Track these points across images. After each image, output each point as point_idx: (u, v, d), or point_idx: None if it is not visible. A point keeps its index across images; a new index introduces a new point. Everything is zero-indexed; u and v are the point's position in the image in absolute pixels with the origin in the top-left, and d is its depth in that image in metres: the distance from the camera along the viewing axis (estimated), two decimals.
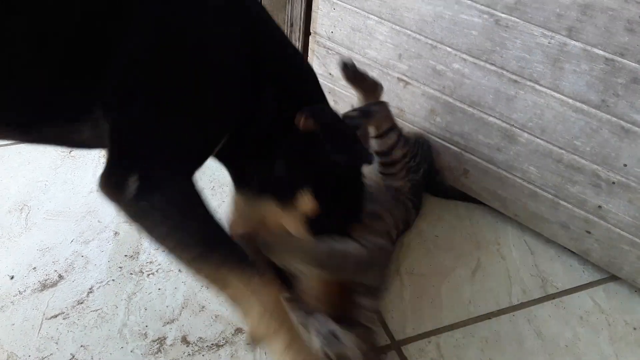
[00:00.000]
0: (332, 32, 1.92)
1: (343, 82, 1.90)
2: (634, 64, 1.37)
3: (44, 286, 1.50)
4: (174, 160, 1.10)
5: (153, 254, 1.60)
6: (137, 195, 1.02)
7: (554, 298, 1.67)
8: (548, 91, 1.54)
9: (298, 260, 1.30)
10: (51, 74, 1.02)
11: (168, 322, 1.45)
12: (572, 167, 1.60)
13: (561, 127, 1.56)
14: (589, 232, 1.68)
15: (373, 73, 1.87)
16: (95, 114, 1.06)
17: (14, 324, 1.40)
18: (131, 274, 1.55)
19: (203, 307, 1.50)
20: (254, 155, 1.30)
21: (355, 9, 1.82)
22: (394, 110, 1.88)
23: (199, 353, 1.39)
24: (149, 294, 1.51)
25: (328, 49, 1.96)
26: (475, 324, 1.57)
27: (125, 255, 1.60)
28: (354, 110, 1.54)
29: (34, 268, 1.53)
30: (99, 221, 1.68)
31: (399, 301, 1.60)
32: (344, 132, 1.34)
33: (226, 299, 1.12)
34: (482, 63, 1.62)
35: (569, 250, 1.77)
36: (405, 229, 1.75)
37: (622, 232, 1.61)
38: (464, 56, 1.65)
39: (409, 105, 1.85)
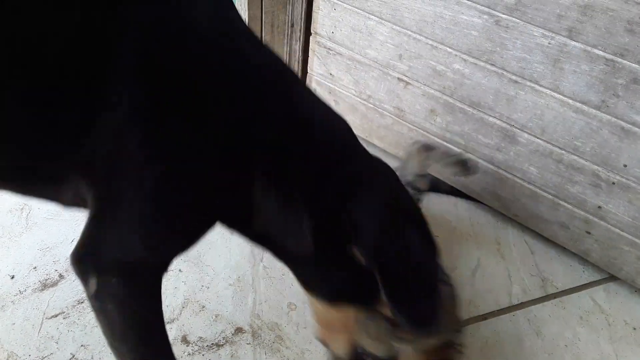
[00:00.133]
0: (332, 32, 1.92)
1: (344, 82, 1.91)
2: (634, 64, 1.37)
3: (45, 286, 1.50)
4: (143, 263, 1.02)
5: None
6: (94, 296, 0.99)
7: (554, 298, 1.67)
8: (548, 92, 1.54)
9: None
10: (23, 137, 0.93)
11: (168, 322, 1.45)
12: (572, 168, 1.60)
13: (561, 128, 1.57)
14: (588, 233, 1.68)
15: (373, 73, 1.88)
16: (73, 182, 0.99)
17: (14, 324, 1.41)
18: None
19: (203, 306, 1.50)
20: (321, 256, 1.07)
21: (356, 9, 1.82)
22: (394, 111, 1.89)
23: (199, 353, 1.39)
24: None
25: (328, 49, 1.97)
26: (476, 323, 1.58)
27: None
28: None
29: (35, 267, 1.54)
30: None
31: None
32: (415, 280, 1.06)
33: None
34: (482, 63, 1.63)
35: (569, 250, 1.78)
36: None
37: (621, 233, 1.61)
38: (464, 56, 1.65)
39: (409, 106, 1.85)
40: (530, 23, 1.48)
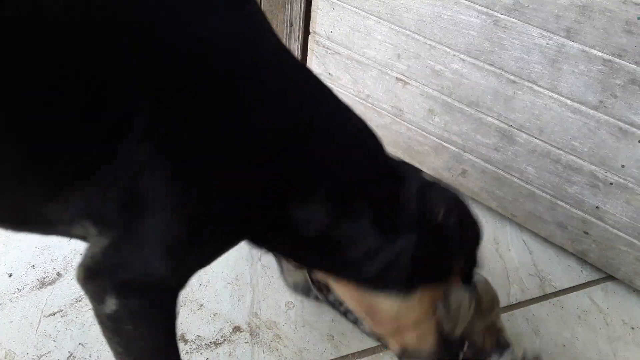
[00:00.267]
0: (331, 31, 1.92)
1: (342, 81, 1.91)
2: (631, 65, 1.37)
3: (43, 284, 1.50)
4: (165, 282, 1.01)
5: None
6: (111, 316, 0.96)
7: (552, 297, 1.67)
8: (546, 92, 1.54)
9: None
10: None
11: None
12: (570, 168, 1.61)
13: (559, 128, 1.57)
14: (586, 233, 1.68)
15: (372, 72, 1.88)
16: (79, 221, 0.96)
17: (12, 322, 1.41)
18: None
19: (201, 305, 1.50)
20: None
21: (355, 8, 1.82)
22: (392, 110, 1.89)
23: (197, 351, 1.39)
24: None
25: (327, 48, 1.97)
26: None
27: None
28: None
29: (33, 266, 1.54)
30: None
31: None
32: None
33: None
34: (480, 63, 1.63)
35: (567, 250, 1.78)
36: None
37: (619, 233, 1.62)
38: (463, 56, 1.65)
39: (408, 105, 1.85)
40: (528, 23, 1.48)
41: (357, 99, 1.96)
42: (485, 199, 1.87)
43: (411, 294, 1.11)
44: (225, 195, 0.98)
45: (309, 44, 2.04)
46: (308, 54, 2.06)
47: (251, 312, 1.51)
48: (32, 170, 0.86)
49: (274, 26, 1.12)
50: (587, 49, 1.42)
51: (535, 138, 1.63)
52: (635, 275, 1.65)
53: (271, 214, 1.04)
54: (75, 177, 0.89)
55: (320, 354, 1.44)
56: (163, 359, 1.06)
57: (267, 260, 1.62)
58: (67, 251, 1.58)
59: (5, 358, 1.34)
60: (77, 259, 1.56)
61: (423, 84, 1.79)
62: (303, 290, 1.50)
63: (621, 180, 1.53)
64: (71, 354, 1.36)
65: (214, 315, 1.49)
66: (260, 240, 1.13)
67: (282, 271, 1.54)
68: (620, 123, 1.46)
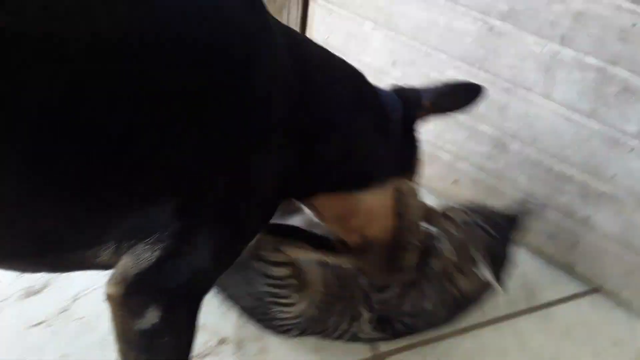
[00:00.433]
0: (327, 37, 1.94)
1: None
2: (625, 72, 1.38)
3: (29, 293, 1.49)
4: (206, 287, 1.03)
5: None
6: (146, 331, 0.95)
7: (539, 310, 1.67)
8: (540, 100, 1.55)
9: None
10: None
11: None
12: (561, 177, 1.62)
13: (552, 137, 1.58)
14: (576, 244, 1.68)
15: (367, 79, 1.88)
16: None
17: None
18: None
19: None
20: None
21: (351, 14, 1.84)
22: None
23: None
24: None
25: None
26: (461, 335, 1.57)
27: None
28: None
29: (19, 275, 1.51)
30: None
31: None
32: None
33: None
34: (475, 70, 1.64)
35: (556, 261, 1.78)
36: None
37: (608, 244, 1.62)
38: (458, 63, 1.67)
39: None
40: (523, 30, 1.50)
41: None
42: None
43: (384, 187, 1.24)
44: (266, 180, 1.02)
45: None
46: None
47: (238, 324, 1.49)
48: (82, 187, 0.83)
49: None
50: (581, 56, 1.43)
51: (528, 147, 1.64)
52: (624, 288, 1.65)
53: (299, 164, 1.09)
54: (131, 193, 0.88)
55: None
56: None
57: None
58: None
59: None
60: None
61: None
62: None
63: (612, 190, 1.54)
64: None
65: (201, 326, 1.47)
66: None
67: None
68: (612, 132, 1.47)
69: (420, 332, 1.50)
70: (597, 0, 1.35)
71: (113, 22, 0.78)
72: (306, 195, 1.22)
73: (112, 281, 0.94)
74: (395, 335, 1.47)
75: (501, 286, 1.41)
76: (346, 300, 1.42)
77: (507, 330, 1.60)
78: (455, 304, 1.48)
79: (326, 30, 1.93)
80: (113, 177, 0.83)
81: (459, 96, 1.35)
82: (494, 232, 1.43)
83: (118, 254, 0.93)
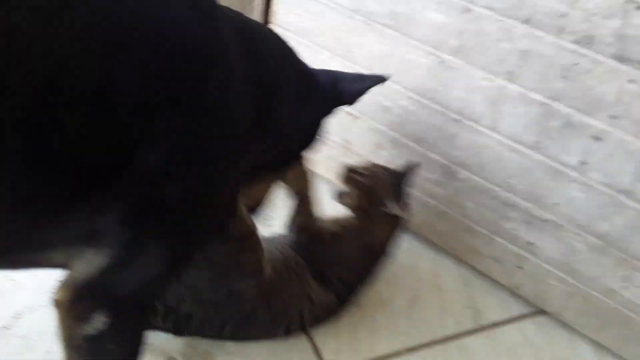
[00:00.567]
0: None
1: None
2: (566, 108, 1.46)
3: None
4: (156, 292, 1.05)
5: None
6: (92, 337, 0.95)
7: (486, 330, 1.73)
8: (487, 131, 1.62)
9: None
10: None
11: None
12: (506, 204, 1.69)
13: (498, 166, 1.65)
14: (520, 267, 1.76)
15: None
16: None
17: None
18: None
19: None
20: None
21: (309, 43, 1.88)
22: (341, 142, 1.94)
23: None
24: None
25: None
26: (409, 353, 1.61)
27: (57, 281, 1.58)
28: None
29: None
30: None
31: (336, 331, 1.63)
32: None
33: None
34: (426, 101, 1.70)
35: (501, 283, 1.84)
36: None
37: (550, 268, 1.69)
38: (410, 94, 1.73)
39: (357, 139, 1.92)
40: (472, 65, 1.57)
41: None
42: (426, 233, 1.93)
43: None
44: (220, 186, 1.05)
45: None
46: None
47: (187, 342, 1.50)
48: (28, 192, 0.81)
49: None
50: (526, 92, 1.51)
51: (476, 175, 1.71)
52: (565, 310, 1.73)
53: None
54: (78, 198, 0.86)
55: None
56: None
57: None
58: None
59: None
60: (7, 285, 1.53)
61: (372, 119, 1.86)
62: None
63: (554, 218, 1.62)
64: None
65: (148, 345, 1.45)
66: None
67: None
68: (554, 163, 1.54)
69: (357, 292, 1.65)
70: (542, 40, 1.43)
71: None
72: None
73: (60, 287, 0.95)
74: (339, 297, 1.60)
75: (408, 215, 1.65)
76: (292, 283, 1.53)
77: (453, 350, 1.65)
78: (373, 253, 1.66)
79: None
80: (56, 182, 0.82)
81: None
82: (394, 176, 1.63)
83: (69, 258, 0.94)
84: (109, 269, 0.92)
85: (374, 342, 1.62)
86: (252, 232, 1.42)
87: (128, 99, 0.84)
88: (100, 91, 0.81)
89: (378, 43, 1.73)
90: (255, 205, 1.56)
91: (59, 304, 0.96)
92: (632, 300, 1.58)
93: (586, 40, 1.36)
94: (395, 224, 1.65)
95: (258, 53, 1.14)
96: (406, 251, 1.92)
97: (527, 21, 1.43)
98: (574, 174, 1.53)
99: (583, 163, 1.49)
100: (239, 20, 1.16)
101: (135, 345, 1.05)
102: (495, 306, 1.80)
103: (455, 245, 1.88)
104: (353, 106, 1.84)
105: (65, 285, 0.95)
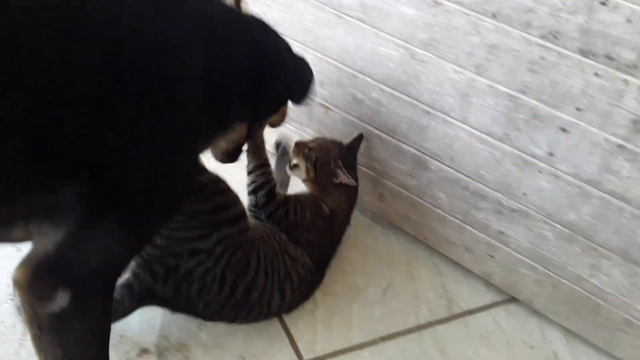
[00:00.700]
0: None
1: None
2: (534, 101, 1.47)
3: None
4: (118, 270, 1.04)
5: None
6: (55, 315, 0.95)
7: (458, 318, 1.76)
8: (457, 123, 1.64)
9: None
10: None
11: None
12: (477, 195, 1.71)
13: (468, 157, 1.67)
14: (491, 256, 1.79)
15: None
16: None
17: None
18: None
19: None
20: None
21: (282, 35, 1.88)
22: (314, 135, 1.95)
23: None
24: None
25: None
26: (384, 342, 1.65)
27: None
28: None
29: None
30: None
31: (311, 320, 1.66)
32: None
33: None
34: (398, 94, 1.71)
35: (473, 272, 1.87)
36: None
37: (521, 257, 1.72)
38: (382, 86, 1.74)
39: (330, 130, 1.92)
40: (442, 58, 1.58)
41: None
42: (400, 223, 1.96)
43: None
44: (178, 162, 1.08)
45: None
46: None
47: (161, 334, 1.51)
48: None
49: None
50: (494, 84, 1.52)
51: (447, 166, 1.73)
52: (535, 297, 1.76)
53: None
54: (31, 173, 0.88)
55: None
56: (101, 356, 1.06)
57: None
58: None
59: None
60: None
61: (344, 111, 1.87)
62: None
63: (523, 207, 1.64)
64: None
65: (121, 337, 1.47)
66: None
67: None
68: (522, 154, 1.56)
69: (327, 258, 1.76)
70: (510, 35, 1.44)
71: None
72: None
73: (18, 266, 0.95)
74: (311, 258, 1.68)
75: (354, 182, 1.78)
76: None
77: (427, 338, 1.68)
78: (329, 219, 1.75)
79: None
80: (15, 159, 0.84)
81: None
82: (341, 147, 1.80)
83: (28, 233, 0.95)
84: (66, 245, 0.94)
85: (349, 331, 1.65)
86: (218, 178, 1.51)
87: (89, 91, 0.87)
88: (58, 82, 0.84)
89: (349, 35, 1.73)
90: (233, 151, 1.59)
91: (18, 283, 0.96)
92: (600, 287, 1.61)
93: (552, 35, 1.37)
94: (345, 193, 1.80)
95: (220, 42, 1.17)
96: (380, 241, 1.95)
97: (494, 16, 1.44)
98: (542, 164, 1.55)
99: (550, 154, 1.52)
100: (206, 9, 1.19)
101: (102, 323, 1.06)
102: (468, 294, 1.84)
103: (428, 235, 1.91)
104: (326, 98, 1.86)
105: (23, 264, 0.96)
